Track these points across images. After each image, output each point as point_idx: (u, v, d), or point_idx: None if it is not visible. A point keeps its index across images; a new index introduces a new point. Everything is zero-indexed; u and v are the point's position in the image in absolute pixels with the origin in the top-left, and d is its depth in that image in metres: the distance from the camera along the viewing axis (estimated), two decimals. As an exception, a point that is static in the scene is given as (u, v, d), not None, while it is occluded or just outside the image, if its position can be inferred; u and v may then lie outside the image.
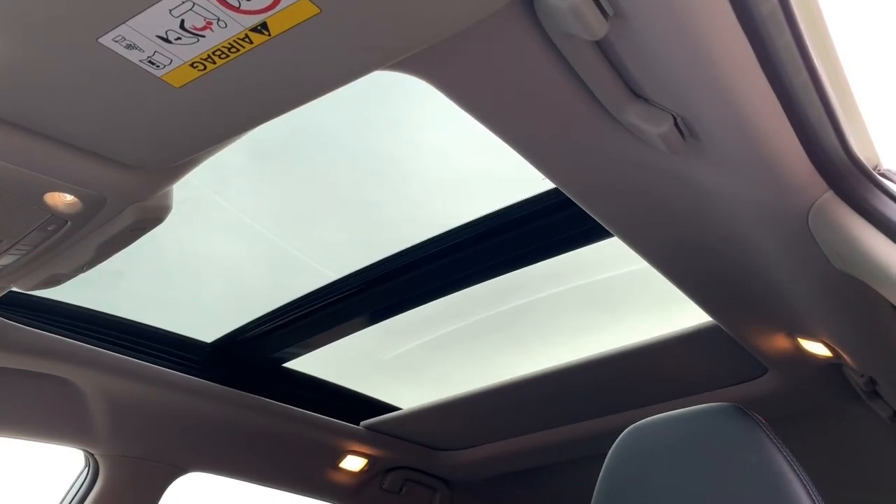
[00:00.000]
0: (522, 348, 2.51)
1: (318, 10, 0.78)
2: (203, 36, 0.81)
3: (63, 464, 2.15)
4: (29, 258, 1.23)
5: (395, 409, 2.68)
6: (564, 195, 1.33)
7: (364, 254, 1.95)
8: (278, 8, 0.78)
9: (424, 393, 2.61)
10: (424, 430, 2.66)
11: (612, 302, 2.27)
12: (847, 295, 1.39)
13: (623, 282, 2.12)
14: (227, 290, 2.16)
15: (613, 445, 1.45)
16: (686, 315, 1.92)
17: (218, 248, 2.01)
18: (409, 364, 2.56)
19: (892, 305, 1.38)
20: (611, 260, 2.01)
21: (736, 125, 1.02)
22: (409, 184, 1.86)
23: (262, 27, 0.81)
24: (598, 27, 0.89)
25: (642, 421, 1.45)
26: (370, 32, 0.83)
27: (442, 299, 2.02)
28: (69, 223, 1.13)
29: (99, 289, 1.94)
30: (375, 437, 2.58)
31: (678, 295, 1.64)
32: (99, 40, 0.81)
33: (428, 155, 1.78)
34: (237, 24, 0.80)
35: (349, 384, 2.54)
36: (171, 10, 0.78)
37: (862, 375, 1.78)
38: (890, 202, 1.11)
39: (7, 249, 1.19)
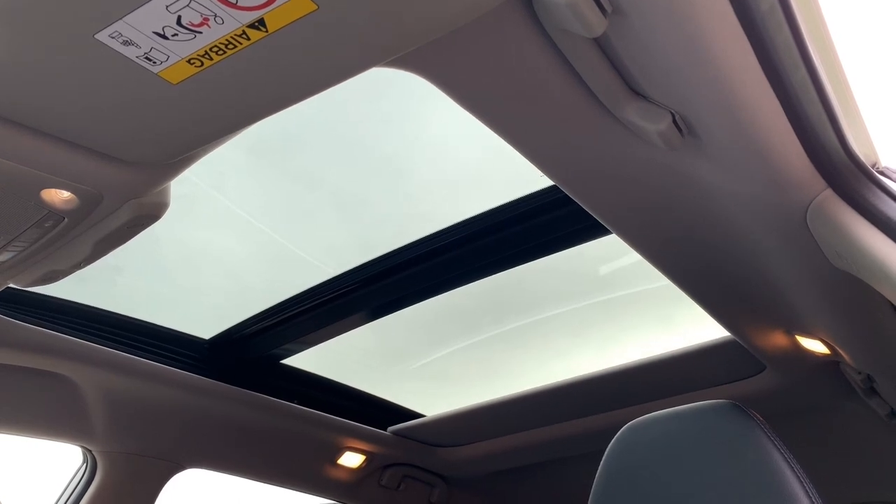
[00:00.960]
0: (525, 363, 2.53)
1: (316, 7, 0.78)
2: (200, 32, 0.81)
3: (61, 460, 2.16)
4: (26, 255, 1.23)
5: (395, 406, 2.68)
6: (562, 192, 1.33)
7: (362, 250, 1.95)
8: (275, 4, 0.78)
9: (424, 389, 2.62)
10: (428, 430, 2.67)
11: (624, 318, 2.29)
12: (845, 293, 1.39)
13: (635, 299, 2.15)
14: (225, 287, 2.16)
15: (611, 442, 1.45)
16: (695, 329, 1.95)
17: (216, 244, 2.00)
18: (415, 367, 2.58)
19: (891, 303, 1.38)
20: (624, 278, 2.03)
21: (734, 122, 1.02)
22: (407, 180, 1.85)
23: (259, 23, 0.80)
24: (597, 24, 0.89)
25: (640, 418, 1.45)
26: (368, 29, 0.83)
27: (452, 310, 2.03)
28: (66, 220, 1.13)
29: (96, 285, 1.94)
30: (374, 433, 2.59)
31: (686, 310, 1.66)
32: (95, 36, 0.81)
33: (426, 152, 1.78)
34: (234, 21, 0.80)
35: (350, 383, 2.54)
36: (167, 7, 0.78)
37: (860, 373, 1.78)
38: (888, 200, 1.11)
39: (4, 246, 1.19)
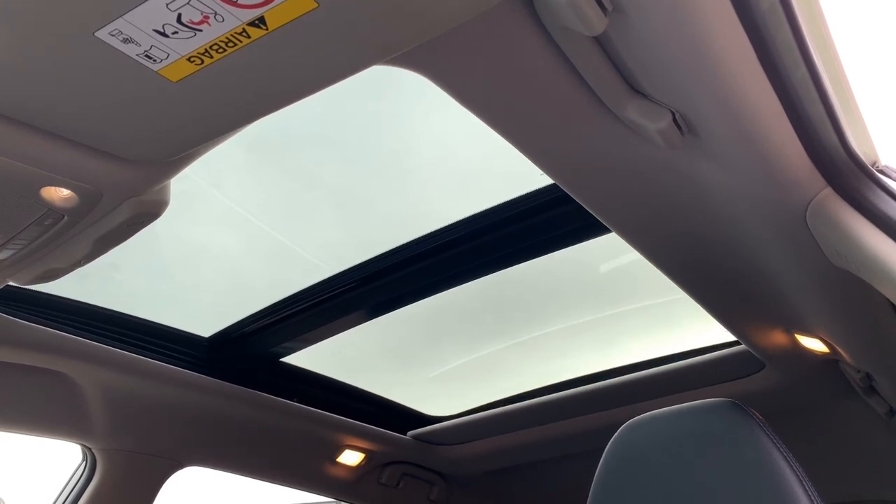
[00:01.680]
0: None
1: (316, 5, 0.78)
2: (200, 30, 0.81)
3: (61, 458, 2.16)
4: (26, 252, 1.23)
5: (395, 404, 2.68)
6: (562, 191, 1.33)
7: (362, 249, 1.94)
8: (276, 2, 0.78)
9: (426, 389, 2.62)
10: (428, 429, 2.67)
11: (630, 323, 2.30)
12: (844, 291, 1.39)
13: (643, 311, 2.16)
14: (224, 285, 2.16)
15: (611, 441, 1.45)
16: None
17: (215, 242, 2.00)
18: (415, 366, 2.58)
19: (890, 302, 1.38)
20: (632, 290, 2.03)
21: (735, 121, 1.02)
22: (406, 179, 1.85)
23: (259, 21, 0.80)
24: (597, 22, 0.89)
25: (640, 416, 1.45)
26: (368, 27, 0.83)
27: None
28: (66, 218, 1.13)
29: (95, 283, 1.94)
30: (373, 432, 2.59)
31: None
32: (95, 34, 0.81)
33: (426, 151, 1.78)
34: (234, 19, 0.80)
35: (350, 381, 2.54)
36: (167, 4, 0.78)
37: (859, 371, 1.78)
38: (888, 199, 1.11)
39: (4, 244, 1.19)
